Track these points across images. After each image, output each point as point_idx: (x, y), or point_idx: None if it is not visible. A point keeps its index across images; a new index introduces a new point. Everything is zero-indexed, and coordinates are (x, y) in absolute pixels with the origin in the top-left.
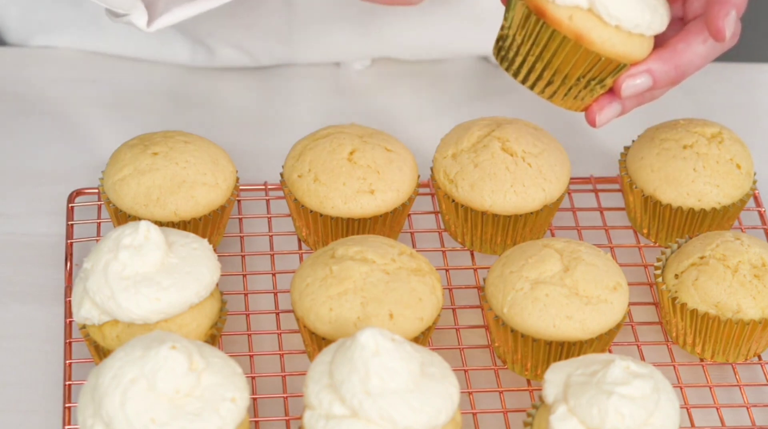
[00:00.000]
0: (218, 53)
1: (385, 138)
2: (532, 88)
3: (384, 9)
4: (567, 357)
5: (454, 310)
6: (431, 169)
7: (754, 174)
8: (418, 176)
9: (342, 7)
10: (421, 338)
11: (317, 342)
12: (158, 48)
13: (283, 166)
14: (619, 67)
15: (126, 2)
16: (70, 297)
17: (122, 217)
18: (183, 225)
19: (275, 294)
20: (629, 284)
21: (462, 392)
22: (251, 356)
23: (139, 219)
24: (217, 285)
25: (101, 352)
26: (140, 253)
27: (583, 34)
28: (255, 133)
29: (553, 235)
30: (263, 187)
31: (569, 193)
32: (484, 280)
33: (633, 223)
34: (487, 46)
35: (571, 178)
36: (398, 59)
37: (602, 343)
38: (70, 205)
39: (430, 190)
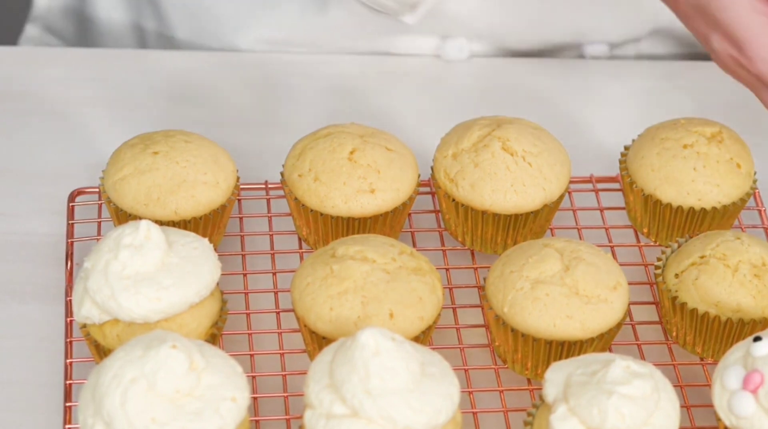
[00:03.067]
0: (218, 52)
1: (386, 137)
2: None
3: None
4: (567, 356)
5: (454, 309)
6: (431, 168)
7: (754, 173)
8: (419, 175)
9: None
10: (422, 338)
11: (317, 341)
12: (158, 47)
13: (283, 166)
14: None
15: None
16: (70, 296)
17: (123, 217)
18: (183, 224)
19: (275, 293)
20: (629, 284)
21: (462, 392)
22: (252, 355)
23: (140, 218)
24: (218, 284)
25: (102, 352)
26: (141, 253)
27: None
28: (255, 133)
29: (553, 234)
30: (264, 186)
31: (569, 193)
32: (485, 279)
33: (633, 223)
34: (486, 49)
35: (571, 178)
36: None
37: (602, 342)
38: (70, 204)
39: (431, 189)
